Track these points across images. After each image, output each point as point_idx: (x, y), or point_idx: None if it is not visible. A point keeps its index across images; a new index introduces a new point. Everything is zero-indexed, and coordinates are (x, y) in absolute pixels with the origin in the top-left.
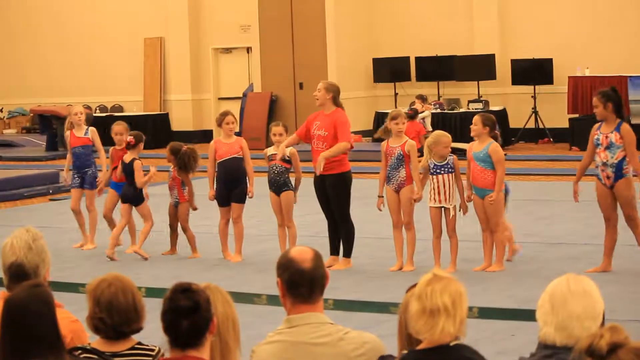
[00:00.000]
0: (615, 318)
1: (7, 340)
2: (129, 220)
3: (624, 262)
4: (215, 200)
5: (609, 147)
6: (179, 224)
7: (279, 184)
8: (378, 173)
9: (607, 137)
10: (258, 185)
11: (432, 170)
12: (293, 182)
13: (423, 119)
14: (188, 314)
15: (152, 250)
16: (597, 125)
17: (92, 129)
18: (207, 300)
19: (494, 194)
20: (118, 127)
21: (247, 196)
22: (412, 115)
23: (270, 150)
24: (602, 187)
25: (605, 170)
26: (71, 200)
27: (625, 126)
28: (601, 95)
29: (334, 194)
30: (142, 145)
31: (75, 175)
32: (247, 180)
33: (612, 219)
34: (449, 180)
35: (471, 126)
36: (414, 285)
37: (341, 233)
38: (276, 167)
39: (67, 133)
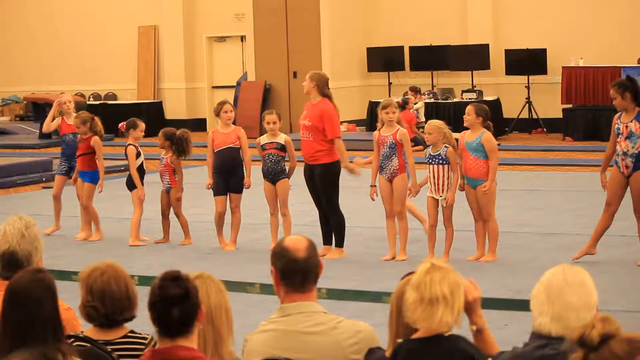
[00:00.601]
0: (606, 308)
1: (9, 325)
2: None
3: (615, 253)
4: (211, 189)
5: (629, 136)
6: (170, 212)
7: (276, 172)
8: (371, 163)
9: (627, 126)
10: (251, 175)
11: (427, 160)
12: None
13: (417, 110)
14: (179, 302)
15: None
16: (617, 114)
17: None
18: (195, 288)
19: (487, 184)
20: (75, 121)
21: (243, 186)
22: (402, 105)
23: (263, 139)
24: (618, 174)
25: (625, 159)
26: (54, 187)
27: None
28: (617, 86)
29: (321, 184)
30: (134, 131)
31: (63, 163)
32: (244, 170)
33: (613, 206)
34: (439, 171)
35: (464, 116)
36: (410, 273)
37: (331, 224)
38: (272, 156)
39: (58, 119)
